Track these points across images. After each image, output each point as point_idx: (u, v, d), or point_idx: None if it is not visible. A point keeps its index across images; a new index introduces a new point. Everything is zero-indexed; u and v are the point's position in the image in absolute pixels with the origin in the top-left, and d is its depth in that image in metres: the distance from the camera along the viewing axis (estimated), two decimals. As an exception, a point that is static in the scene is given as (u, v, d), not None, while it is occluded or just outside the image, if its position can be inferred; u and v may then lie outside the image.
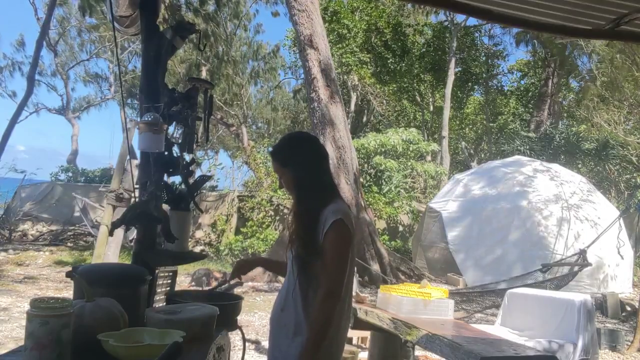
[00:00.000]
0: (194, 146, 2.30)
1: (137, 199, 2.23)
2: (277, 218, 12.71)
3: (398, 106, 21.16)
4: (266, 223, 12.54)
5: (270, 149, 2.01)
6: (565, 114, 21.13)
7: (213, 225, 13.43)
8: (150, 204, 2.07)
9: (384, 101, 20.00)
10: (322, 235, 1.76)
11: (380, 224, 13.06)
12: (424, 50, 20.17)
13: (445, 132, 18.34)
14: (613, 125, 13.88)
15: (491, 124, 22.41)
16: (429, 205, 10.91)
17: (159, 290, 2.22)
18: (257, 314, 6.81)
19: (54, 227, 13.86)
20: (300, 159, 1.86)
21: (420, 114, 21.60)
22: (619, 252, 7.69)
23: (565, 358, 4.30)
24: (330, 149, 9.04)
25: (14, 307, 6.55)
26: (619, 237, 7.72)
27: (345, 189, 9.06)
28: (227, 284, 2.35)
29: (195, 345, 1.62)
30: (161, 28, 2.30)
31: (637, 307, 7.01)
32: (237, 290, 7.76)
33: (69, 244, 12.72)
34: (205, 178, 2.45)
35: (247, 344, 4.09)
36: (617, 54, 13.16)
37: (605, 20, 2.77)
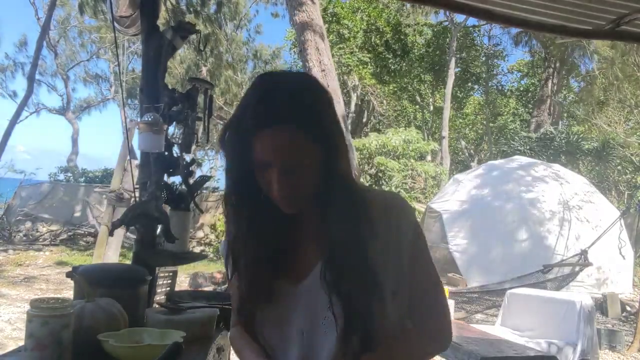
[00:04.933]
0: (194, 146, 2.30)
1: (137, 199, 2.23)
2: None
3: (398, 106, 21.17)
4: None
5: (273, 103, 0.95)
6: (565, 114, 21.13)
7: (213, 225, 13.44)
8: (150, 204, 2.07)
9: (384, 101, 20.00)
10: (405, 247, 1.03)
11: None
12: (423, 50, 20.19)
13: (445, 132, 18.34)
14: (613, 125, 13.88)
15: (491, 124, 22.41)
16: (429, 205, 10.90)
17: (159, 290, 2.22)
18: (257, 314, 6.80)
19: (54, 228, 13.85)
20: (337, 124, 1.01)
21: (420, 114, 21.60)
22: (620, 253, 7.70)
23: (565, 358, 4.29)
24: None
25: (13, 308, 6.55)
26: (619, 238, 7.73)
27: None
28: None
29: (195, 346, 1.62)
30: (161, 28, 2.30)
31: (637, 307, 7.01)
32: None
33: (69, 244, 12.72)
34: (205, 178, 2.45)
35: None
36: (619, 55, 13.15)
37: (605, 20, 2.77)
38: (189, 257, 2.34)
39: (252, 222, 1.02)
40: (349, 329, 0.94)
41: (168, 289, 2.33)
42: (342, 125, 1.06)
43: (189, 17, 12.87)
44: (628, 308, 7.89)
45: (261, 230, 1.02)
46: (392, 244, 1.00)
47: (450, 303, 3.66)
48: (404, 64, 19.68)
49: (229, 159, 1.00)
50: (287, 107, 0.94)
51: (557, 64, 19.03)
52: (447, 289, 4.20)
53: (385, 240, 0.99)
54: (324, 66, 9.65)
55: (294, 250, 1.04)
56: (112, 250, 8.19)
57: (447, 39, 19.62)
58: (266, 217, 1.02)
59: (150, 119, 2.03)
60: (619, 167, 14.93)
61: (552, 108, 19.22)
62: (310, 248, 1.02)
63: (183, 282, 8.11)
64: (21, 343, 1.38)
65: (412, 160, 14.57)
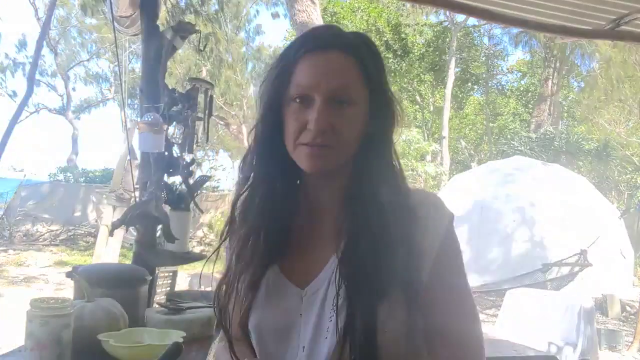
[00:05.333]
0: (194, 146, 2.30)
1: (137, 199, 2.23)
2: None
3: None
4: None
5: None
6: (565, 114, 21.14)
7: (213, 225, 13.44)
8: (150, 204, 2.07)
9: (384, 101, 20.02)
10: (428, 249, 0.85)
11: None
12: (423, 50, 20.21)
13: (445, 132, 18.34)
14: (614, 125, 13.89)
15: (491, 124, 22.42)
16: (429, 205, 10.91)
17: (159, 290, 2.22)
18: (257, 314, 6.80)
19: (54, 228, 13.85)
20: (388, 84, 0.90)
21: (421, 114, 21.61)
22: (620, 253, 7.71)
23: (565, 358, 4.30)
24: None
25: (13, 308, 6.55)
26: (619, 238, 7.74)
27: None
28: None
29: (195, 345, 1.62)
30: (161, 28, 2.30)
31: (637, 307, 7.01)
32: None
33: (69, 244, 12.72)
34: (205, 178, 2.45)
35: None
36: (620, 54, 13.16)
37: (605, 20, 2.77)
38: (189, 257, 2.34)
39: (267, 201, 0.87)
40: (352, 337, 0.78)
41: (168, 289, 2.33)
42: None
43: (189, 17, 12.87)
44: (628, 308, 7.89)
45: (275, 215, 0.87)
46: (414, 249, 0.82)
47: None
48: (404, 64, 19.68)
49: (263, 100, 0.85)
50: (341, 37, 0.84)
51: (557, 64, 19.04)
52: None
53: (409, 245, 0.82)
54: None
55: (307, 247, 0.89)
56: (112, 250, 8.19)
57: (447, 39, 19.63)
58: (283, 201, 0.88)
59: (150, 119, 2.03)
60: (619, 167, 14.93)
61: (552, 108, 19.22)
62: (324, 248, 0.87)
63: (183, 282, 8.11)
64: (21, 343, 1.38)
65: (412, 161, 14.58)
